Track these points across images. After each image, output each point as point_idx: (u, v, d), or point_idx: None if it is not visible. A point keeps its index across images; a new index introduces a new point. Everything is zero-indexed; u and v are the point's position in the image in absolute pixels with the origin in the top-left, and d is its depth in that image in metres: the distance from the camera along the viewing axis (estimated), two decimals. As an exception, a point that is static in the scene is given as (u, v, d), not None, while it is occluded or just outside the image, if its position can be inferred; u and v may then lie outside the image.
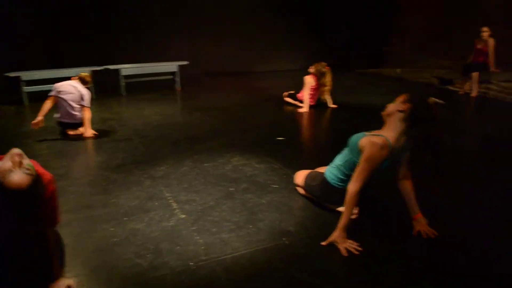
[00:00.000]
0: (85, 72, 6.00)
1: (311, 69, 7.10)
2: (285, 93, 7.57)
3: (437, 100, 2.87)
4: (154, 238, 3.00)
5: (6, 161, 2.02)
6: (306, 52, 11.16)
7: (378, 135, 2.92)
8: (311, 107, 7.08)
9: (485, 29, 8.30)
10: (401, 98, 2.97)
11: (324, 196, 3.39)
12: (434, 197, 3.65)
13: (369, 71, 11.67)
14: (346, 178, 3.10)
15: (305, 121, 6.62)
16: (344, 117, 6.63)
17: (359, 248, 2.82)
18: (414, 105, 2.86)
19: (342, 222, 2.88)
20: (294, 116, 6.84)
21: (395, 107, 2.96)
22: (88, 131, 5.52)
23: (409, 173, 3.15)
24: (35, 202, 2.15)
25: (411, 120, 2.84)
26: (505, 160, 4.74)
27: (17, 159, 2.02)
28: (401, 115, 2.89)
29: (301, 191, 3.68)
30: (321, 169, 3.51)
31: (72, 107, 5.47)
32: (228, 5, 10.67)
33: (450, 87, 9.23)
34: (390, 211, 3.45)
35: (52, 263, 2.42)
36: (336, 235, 2.88)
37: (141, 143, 5.28)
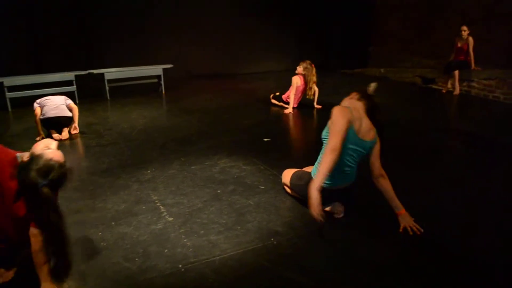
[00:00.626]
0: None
1: (299, 69, 7.13)
2: (272, 95, 7.61)
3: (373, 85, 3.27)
4: (143, 241, 3.00)
5: (39, 145, 2.49)
6: (291, 54, 11.25)
7: None
8: (294, 108, 7.13)
9: (464, 28, 8.45)
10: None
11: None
12: (422, 197, 3.72)
13: (353, 71, 11.77)
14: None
15: (290, 122, 6.66)
16: (329, 117, 6.66)
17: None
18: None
19: (316, 183, 2.88)
20: (280, 117, 6.88)
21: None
22: (76, 127, 5.80)
23: (383, 171, 3.24)
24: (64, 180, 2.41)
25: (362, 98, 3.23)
26: (489, 157, 4.83)
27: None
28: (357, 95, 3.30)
29: (288, 190, 3.71)
30: (308, 169, 3.54)
31: (57, 100, 5.66)
32: (212, 7, 10.68)
33: (433, 86, 9.37)
34: (376, 210, 3.49)
35: (38, 264, 2.38)
36: (311, 196, 2.86)
37: (127, 147, 5.27)
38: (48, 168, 2.31)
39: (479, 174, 4.30)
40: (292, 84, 7.08)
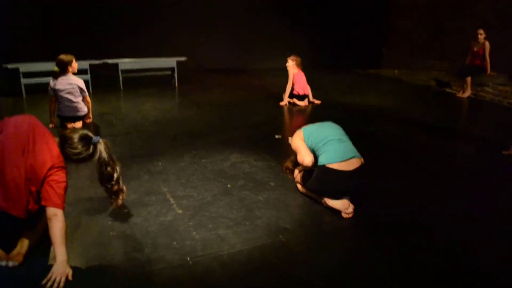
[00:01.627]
0: (79, 63, 5.95)
1: (290, 61, 7.24)
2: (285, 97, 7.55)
3: None
4: (151, 232, 3.02)
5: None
6: (305, 52, 11.17)
7: None
8: (302, 98, 7.22)
9: (480, 31, 8.33)
10: None
11: (321, 184, 3.40)
12: (427, 199, 3.69)
13: (367, 72, 11.70)
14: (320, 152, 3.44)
15: (302, 119, 6.64)
16: (339, 116, 6.64)
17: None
18: None
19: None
20: (292, 114, 6.86)
21: None
22: (90, 116, 5.88)
23: None
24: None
25: None
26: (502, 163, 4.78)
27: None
28: None
29: (300, 188, 3.70)
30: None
31: (73, 101, 5.50)
32: (227, 2, 10.67)
33: (448, 89, 9.26)
34: (387, 210, 3.48)
35: (56, 244, 2.46)
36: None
37: (139, 138, 5.29)
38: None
39: (486, 178, 4.26)
40: (289, 74, 7.23)
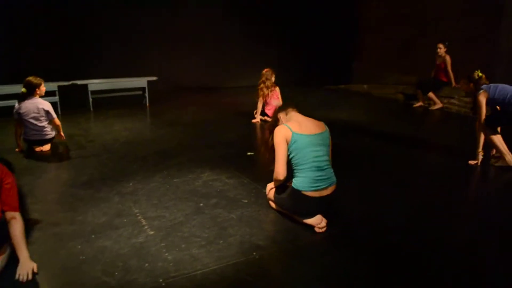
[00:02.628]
0: (49, 85, 5.86)
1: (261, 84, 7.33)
2: (257, 115, 7.59)
3: None
4: (123, 255, 2.95)
5: None
6: (277, 69, 11.26)
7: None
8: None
9: (440, 45, 8.60)
10: None
11: (294, 206, 3.42)
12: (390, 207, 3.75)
13: (338, 87, 11.88)
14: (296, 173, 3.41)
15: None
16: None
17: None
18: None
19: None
20: (264, 130, 6.89)
21: None
22: (62, 134, 5.75)
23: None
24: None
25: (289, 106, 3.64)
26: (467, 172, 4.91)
27: None
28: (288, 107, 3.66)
29: (272, 205, 3.70)
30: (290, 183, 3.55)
31: (38, 125, 5.38)
32: (197, 21, 10.73)
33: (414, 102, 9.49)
34: (360, 223, 3.51)
35: (18, 244, 2.74)
36: None
37: (109, 159, 5.21)
38: None
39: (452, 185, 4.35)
40: (258, 94, 7.37)
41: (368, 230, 3.38)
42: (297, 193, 3.35)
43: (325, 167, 3.35)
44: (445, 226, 3.50)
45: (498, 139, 4.99)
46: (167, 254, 2.97)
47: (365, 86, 11.41)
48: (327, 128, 3.48)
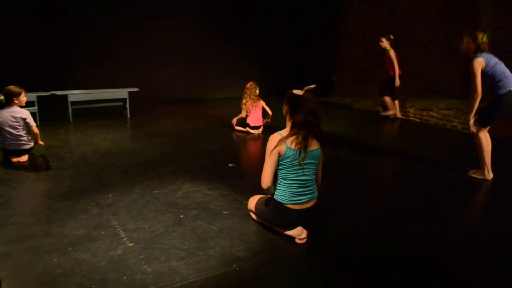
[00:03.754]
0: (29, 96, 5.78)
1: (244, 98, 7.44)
2: (234, 120, 7.65)
3: (307, 87, 3.45)
4: (100, 268, 2.90)
5: None
6: (258, 81, 11.33)
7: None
8: (255, 128, 7.38)
9: (381, 39, 8.84)
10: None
11: (275, 218, 3.42)
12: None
13: (319, 99, 11.94)
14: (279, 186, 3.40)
15: (255, 147, 6.69)
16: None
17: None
18: (288, 103, 3.41)
19: None
20: (245, 142, 6.90)
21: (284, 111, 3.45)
22: (40, 142, 5.67)
23: (319, 181, 3.57)
24: None
25: (291, 114, 3.36)
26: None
27: None
28: (287, 116, 3.43)
29: (254, 216, 3.69)
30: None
31: (15, 134, 5.30)
32: (179, 33, 10.73)
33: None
34: (339, 235, 3.52)
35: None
36: None
37: (89, 171, 5.14)
38: None
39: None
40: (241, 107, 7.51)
41: (348, 242, 3.41)
42: (278, 205, 3.36)
43: (308, 184, 3.36)
44: (425, 235, 3.54)
45: (488, 148, 4.89)
46: (146, 266, 2.93)
47: (345, 98, 11.54)
48: (319, 146, 3.41)
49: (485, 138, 4.90)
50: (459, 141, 7.36)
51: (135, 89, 9.04)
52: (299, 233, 3.33)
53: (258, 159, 6.34)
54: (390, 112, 9.13)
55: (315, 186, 3.45)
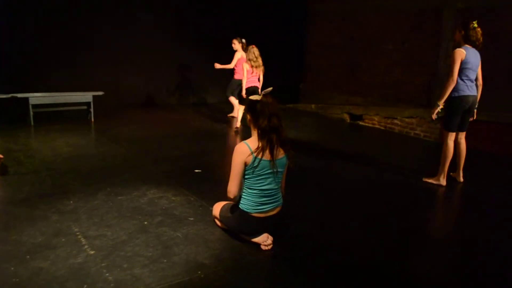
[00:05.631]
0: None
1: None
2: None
3: (264, 91, 3.48)
4: (59, 277, 2.81)
5: None
6: (224, 87, 11.35)
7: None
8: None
9: (233, 41, 9.14)
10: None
11: (240, 226, 3.41)
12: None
13: (286, 106, 12.07)
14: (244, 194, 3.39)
15: (223, 154, 6.65)
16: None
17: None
18: (249, 111, 3.35)
19: None
20: (212, 148, 6.86)
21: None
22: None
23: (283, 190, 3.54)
24: None
25: (255, 121, 3.30)
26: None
27: None
28: (251, 125, 3.36)
29: (218, 223, 3.67)
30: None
31: None
32: (147, 37, 10.60)
33: (360, 122, 9.81)
34: (304, 241, 3.54)
35: None
36: None
37: (49, 176, 4.98)
38: None
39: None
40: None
41: (313, 248, 3.42)
42: (242, 213, 3.34)
43: (273, 193, 3.36)
44: (391, 242, 3.60)
45: (449, 155, 5.03)
46: (107, 274, 2.85)
47: (312, 106, 11.67)
48: (285, 155, 3.41)
49: (450, 146, 5.05)
50: (421, 149, 7.56)
51: (100, 93, 8.85)
52: (264, 240, 3.32)
53: (224, 166, 6.31)
54: (235, 114, 9.18)
55: (280, 194, 3.46)
